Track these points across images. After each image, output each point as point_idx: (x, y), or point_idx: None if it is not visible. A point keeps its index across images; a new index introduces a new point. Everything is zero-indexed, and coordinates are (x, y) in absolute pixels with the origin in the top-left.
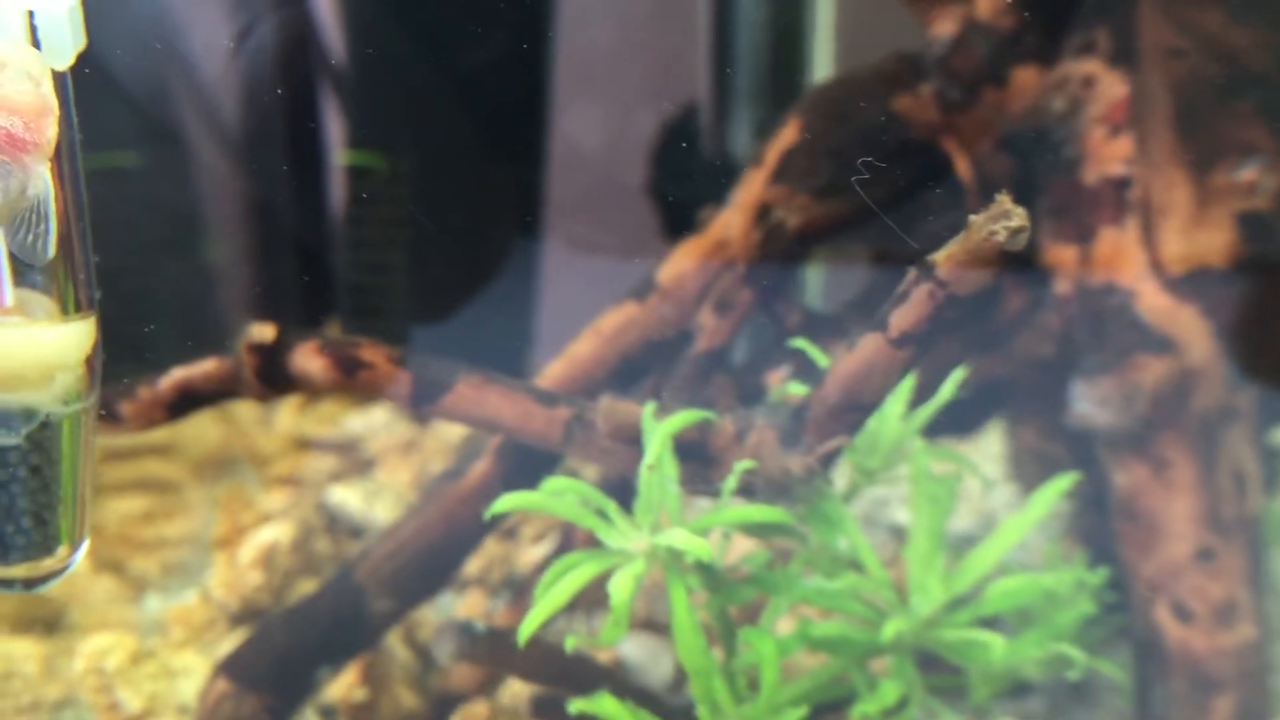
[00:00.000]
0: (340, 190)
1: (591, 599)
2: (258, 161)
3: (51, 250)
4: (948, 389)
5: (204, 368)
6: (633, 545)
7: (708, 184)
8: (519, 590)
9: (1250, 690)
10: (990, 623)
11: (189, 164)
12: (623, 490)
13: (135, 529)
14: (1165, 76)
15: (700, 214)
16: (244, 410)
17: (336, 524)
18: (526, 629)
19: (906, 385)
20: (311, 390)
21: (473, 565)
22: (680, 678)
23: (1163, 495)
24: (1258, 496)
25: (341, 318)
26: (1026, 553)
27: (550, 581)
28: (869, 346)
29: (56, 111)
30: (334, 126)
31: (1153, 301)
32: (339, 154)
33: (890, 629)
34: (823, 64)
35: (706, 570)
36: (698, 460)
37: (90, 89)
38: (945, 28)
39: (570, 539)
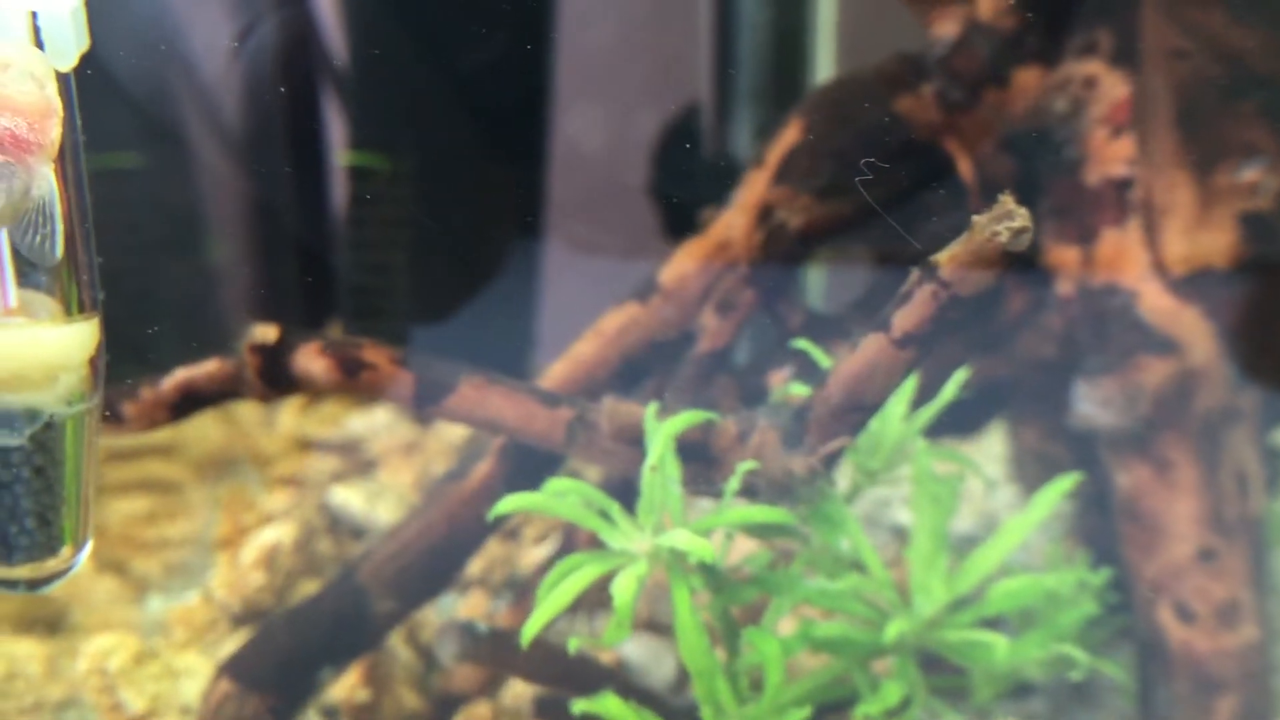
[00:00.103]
0: (342, 191)
1: (594, 600)
2: (260, 162)
3: (59, 250)
4: (950, 390)
5: (206, 368)
6: (635, 546)
7: (709, 185)
8: (521, 591)
9: (1253, 691)
10: (993, 623)
11: (191, 165)
12: (625, 491)
13: (138, 529)
14: (1167, 77)
15: (702, 215)
16: (246, 411)
17: (339, 525)
18: (529, 630)
19: (909, 386)
20: (314, 391)
21: (475, 566)
22: (683, 678)
23: (1165, 496)
24: (1260, 497)
25: (343, 318)
26: (1029, 553)
27: (553, 582)
28: (871, 347)
29: (60, 113)
30: (335, 127)
31: (1155, 302)
32: (340, 155)
33: (893, 630)
34: (824, 65)
35: (709, 571)
36: (700, 461)
37: (92, 90)
38: (947, 28)
39: (573, 540)
